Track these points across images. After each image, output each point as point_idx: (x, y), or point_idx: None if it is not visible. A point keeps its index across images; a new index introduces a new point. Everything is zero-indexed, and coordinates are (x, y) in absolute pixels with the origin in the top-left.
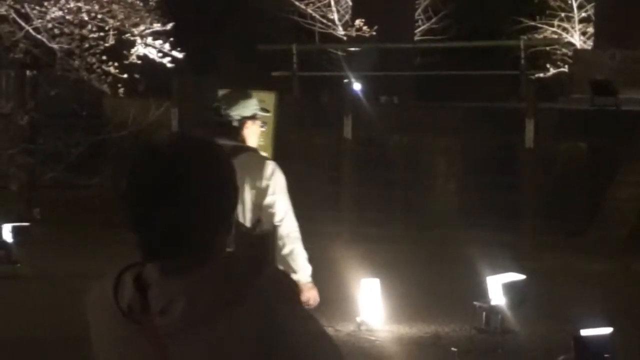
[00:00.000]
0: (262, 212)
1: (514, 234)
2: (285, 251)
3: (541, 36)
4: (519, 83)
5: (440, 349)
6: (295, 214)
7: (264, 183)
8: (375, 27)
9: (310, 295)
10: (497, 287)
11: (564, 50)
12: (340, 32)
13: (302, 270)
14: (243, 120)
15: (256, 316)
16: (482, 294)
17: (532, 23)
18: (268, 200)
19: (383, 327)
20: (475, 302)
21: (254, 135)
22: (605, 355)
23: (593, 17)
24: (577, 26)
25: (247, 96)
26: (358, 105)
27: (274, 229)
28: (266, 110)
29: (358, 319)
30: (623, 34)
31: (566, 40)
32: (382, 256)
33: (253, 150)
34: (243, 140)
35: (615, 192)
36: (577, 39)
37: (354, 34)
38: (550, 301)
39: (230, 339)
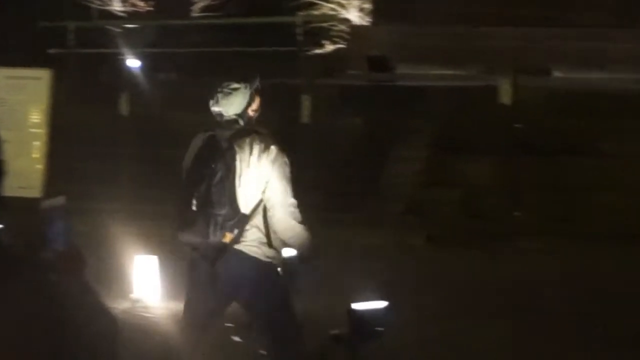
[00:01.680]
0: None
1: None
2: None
3: (318, 13)
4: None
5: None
6: (76, 191)
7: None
8: (152, 4)
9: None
10: None
11: (342, 27)
12: (118, 7)
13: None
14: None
15: (34, 290)
16: None
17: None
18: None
19: (159, 304)
20: None
21: None
22: (379, 329)
23: None
24: (355, 2)
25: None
26: (135, 83)
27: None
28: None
29: (132, 296)
30: (399, 9)
31: (343, 16)
32: (160, 234)
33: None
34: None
35: (391, 168)
36: (354, 15)
37: (130, 9)
38: (326, 275)
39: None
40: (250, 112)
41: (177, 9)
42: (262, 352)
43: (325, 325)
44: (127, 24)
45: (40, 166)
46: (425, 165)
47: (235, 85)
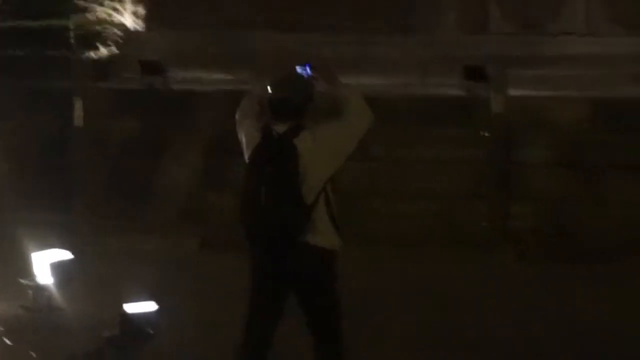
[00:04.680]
0: None
1: (70, 215)
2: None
3: (92, 17)
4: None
5: None
6: None
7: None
8: None
9: None
10: (44, 265)
11: (116, 31)
12: None
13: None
14: None
15: None
16: (29, 272)
17: (83, 3)
18: None
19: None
20: (21, 280)
21: None
22: (149, 330)
23: None
24: (129, 7)
25: None
26: None
27: None
28: None
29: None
30: (173, 15)
31: (118, 21)
32: None
33: None
34: None
35: (166, 172)
36: (129, 20)
37: None
38: (100, 280)
39: None
40: None
41: None
42: None
43: (98, 328)
44: None
45: None
46: (198, 170)
47: None
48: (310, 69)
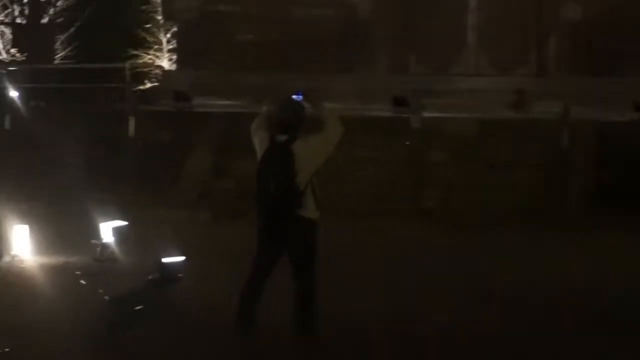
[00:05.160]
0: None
1: (125, 195)
2: None
3: (141, 61)
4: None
5: (68, 272)
6: None
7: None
8: (26, 54)
9: None
10: (108, 229)
11: (157, 71)
12: (3, 56)
13: None
14: None
15: None
16: (97, 235)
17: (135, 52)
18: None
19: (31, 258)
20: (92, 240)
21: None
22: (179, 274)
23: (176, 47)
24: (166, 54)
25: None
26: (17, 107)
27: None
28: None
29: (12, 253)
30: (195, 59)
31: (158, 63)
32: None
33: None
34: None
35: (189, 166)
36: (165, 63)
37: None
38: (144, 239)
39: None
40: None
41: (43, 57)
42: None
43: (144, 272)
44: (9, 67)
45: None
46: (211, 163)
47: None
48: (302, 96)
